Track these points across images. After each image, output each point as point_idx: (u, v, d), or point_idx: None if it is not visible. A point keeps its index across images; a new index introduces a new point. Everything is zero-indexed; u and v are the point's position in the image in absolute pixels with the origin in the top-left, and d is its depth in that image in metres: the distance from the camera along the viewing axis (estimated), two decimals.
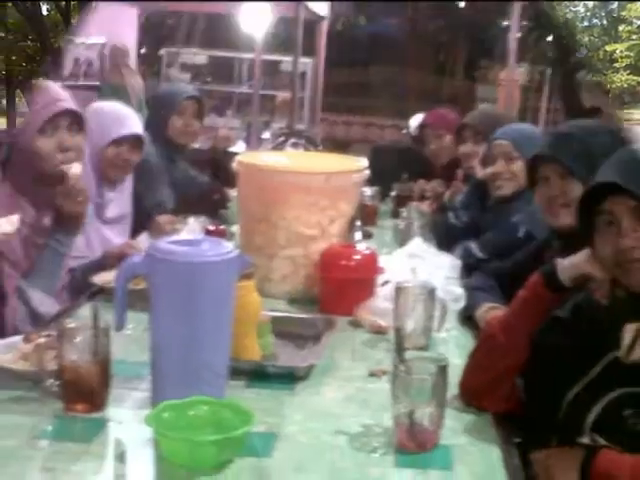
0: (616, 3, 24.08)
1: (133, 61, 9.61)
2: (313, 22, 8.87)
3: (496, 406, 1.68)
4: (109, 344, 1.60)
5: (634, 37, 23.17)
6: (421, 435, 1.49)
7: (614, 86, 23.73)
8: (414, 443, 1.49)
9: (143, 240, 2.80)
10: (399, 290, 2.03)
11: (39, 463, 1.40)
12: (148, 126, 3.36)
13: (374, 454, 1.48)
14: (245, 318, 1.78)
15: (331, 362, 1.93)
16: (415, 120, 4.73)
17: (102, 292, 2.32)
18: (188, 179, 3.70)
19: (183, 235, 2.54)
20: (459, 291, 2.30)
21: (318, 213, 2.43)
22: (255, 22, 7.85)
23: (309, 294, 2.41)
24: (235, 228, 2.90)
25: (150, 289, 1.57)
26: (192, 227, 2.81)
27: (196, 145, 4.54)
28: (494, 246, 2.75)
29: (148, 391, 1.64)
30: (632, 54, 23.02)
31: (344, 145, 11.12)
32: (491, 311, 2.14)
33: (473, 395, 1.70)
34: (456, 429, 1.60)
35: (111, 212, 2.89)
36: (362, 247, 2.44)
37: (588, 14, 25.12)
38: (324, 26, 8.79)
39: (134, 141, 2.90)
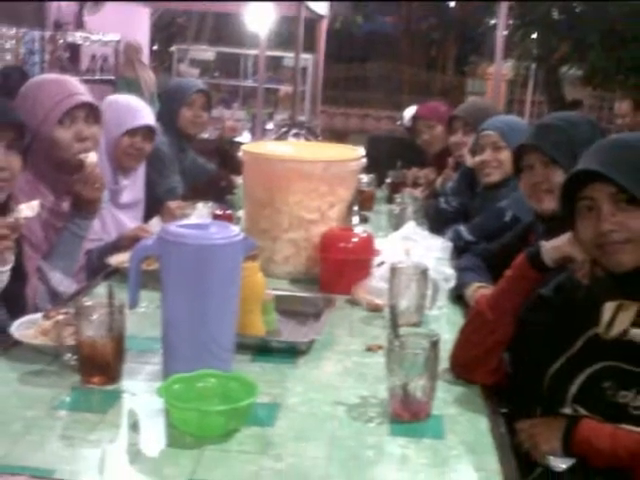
0: None
1: (146, 57, 9.58)
2: (313, 21, 8.84)
3: (484, 379, 1.67)
4: (123, 321, 1.60)
5: None
6: (414, 406, 1.48)
7: None
8: (408, 413, 1.48)
9: (155, 224, 2.79)
10: (394, 270, 2.02)
11: (58, 432, 1.40)
12: (160, 117, 3.35)
13: (370, 423, 1.48)
14: (250, 297, 1.78)
15: (330, 338, 1.92)
16: (409, 112, 4.71)
17: (117, 272, 2.31)
18: (197, 167, 3.69)
19: (192, 219, 2.53)
20: (450, 271, 2.29)
21: (318, 199, 2.42)
22: (259, 21, 7.81)
23: (310, 274, 2.41)
24: (241, 213, 2.89)
25: (161, 270, 1.56)
26: (201, 212, 2.80)
27: (204, 135, 4.53)
28: (482, 229, 2.74)
29: (160, 364, 1.64)
30: None
31: (342, 135, 11.12)
32: (479, 290, 2.13)
33: (463, 368, 1.70)
34: (447, 400, 1.60)
35: (125, 198, 2.88)
36: (359, 230, 2.43)
37: None
38: (324, 24, 8.76)
39: (147, 131, 2.89)
